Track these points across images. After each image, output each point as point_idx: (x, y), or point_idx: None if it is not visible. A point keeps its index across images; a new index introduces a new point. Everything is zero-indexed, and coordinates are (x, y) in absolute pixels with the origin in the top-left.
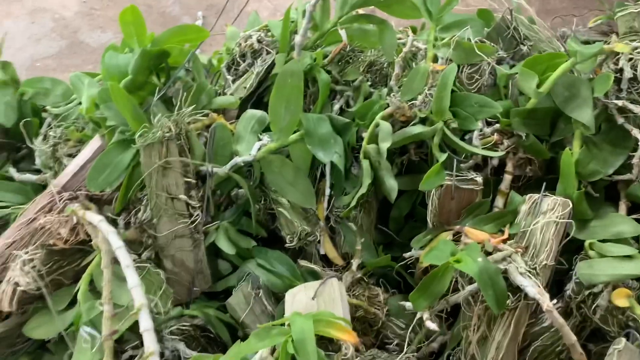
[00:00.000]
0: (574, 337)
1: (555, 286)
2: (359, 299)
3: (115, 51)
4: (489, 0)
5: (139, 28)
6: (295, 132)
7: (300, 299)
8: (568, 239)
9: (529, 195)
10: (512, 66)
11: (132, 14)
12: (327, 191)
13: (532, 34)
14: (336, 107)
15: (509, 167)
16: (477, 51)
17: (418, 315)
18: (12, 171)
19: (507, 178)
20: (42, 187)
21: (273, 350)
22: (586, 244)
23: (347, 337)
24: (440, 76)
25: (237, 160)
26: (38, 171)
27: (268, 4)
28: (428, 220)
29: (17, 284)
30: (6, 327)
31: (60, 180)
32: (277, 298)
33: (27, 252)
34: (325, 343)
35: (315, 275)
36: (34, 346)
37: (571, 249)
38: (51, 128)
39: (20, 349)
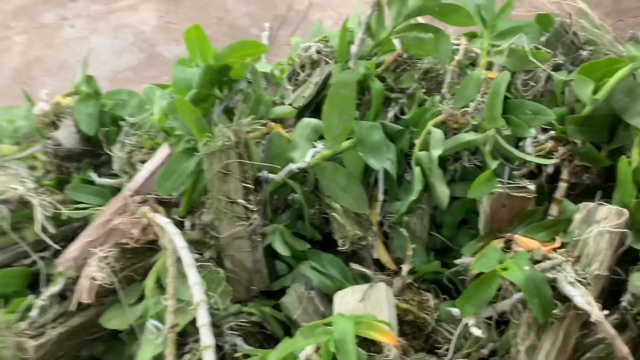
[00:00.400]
0: (626, 349)
1: (612, 297)
2: (409, 303)
3: (184, 65)
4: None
5: (202, 45)
6: (348, 139)
7: (348, 300)
8: (624, 249)
9: (583, 203)
10: (571, 72)
11: (196, 33)
12: (380, 197)
13: (593, 38)
14: (390, 114)
15: (564, 174)
16: (531, 58)
17: (464, 322)
18: (93, 175)
19: (562, 186)
20: (119, 190)
21: (318, 348)
22: None
23: (388, 340)
24: (493, 84)
25: (292, 166)
26: (116, 175)
27: (332, 13)
28: (480, 227)
29: (93, 279)
30: (85, 318)
31: (133, 185)
32: (330, 299)
33: (102, 250)
34: (369, 344)
35: (366, 279)
36: (109, 335)
37: (629, 259)
38: (127, 136)
39: (97, 337)
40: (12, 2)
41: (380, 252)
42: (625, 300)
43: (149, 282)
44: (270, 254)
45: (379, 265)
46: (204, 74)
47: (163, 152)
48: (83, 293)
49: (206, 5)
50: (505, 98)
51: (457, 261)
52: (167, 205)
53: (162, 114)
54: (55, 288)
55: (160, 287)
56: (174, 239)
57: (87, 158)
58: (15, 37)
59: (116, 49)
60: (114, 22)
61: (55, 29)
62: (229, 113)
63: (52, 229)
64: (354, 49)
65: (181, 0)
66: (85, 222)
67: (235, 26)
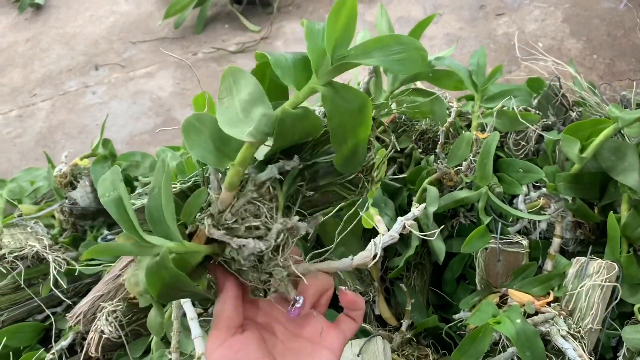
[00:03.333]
0: None
1: (612, 351)
2: (409, 358)
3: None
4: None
5: (210, 110)
6: None
7: (346, 355)
8: (616, 302)
9: (576, 258)
10: (561, 131)
11: (203, 99)
12: (380, 252)
13: (581, 99)
14: (389, 172)
15: (557, 230)
16: (520, 119)
17: None
18: (106, 233)
19: (556, 241)
20: None
21: None
22: (636, 308)
23: None
24: (483, 144)
25: None
26: None
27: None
28: (476, 282)
29: (102, 332)
30: None
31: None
32: None
33: (111, 304)
34: None
35: (366, 334)
36: None
37: (626, 314)
38: (140, 196)
39: None
40: (39, 71)
41: (381, 308)
42: (620, 354)
43: (155, 336)
44: None
45: (381, 321)
46: None
47: None
48: (92, 347)
49: (219, 73)
50: (498, 157)
51: (456, 316)
52: None
53: (172, 175)
54: (64, 342)
55: (166, 341)
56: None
57: (101, 216)
58: (40, 103)
59: (134, 113)
60: (133, 88)
61: (78, 96)
62: None
63: (65, 285)
64: None
65: (196, 68)
66: (97, 278)
67: None
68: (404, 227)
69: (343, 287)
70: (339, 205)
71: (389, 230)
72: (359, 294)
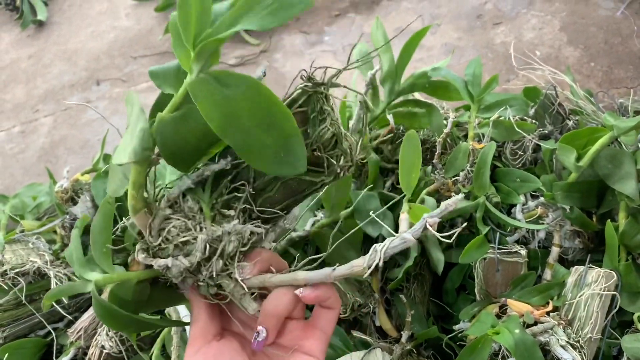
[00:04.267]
0: None
1: None
2: None
3: None
4: (542, 78)
5: None
6: (347, 208)
7: None
8: (616, 310)
9: (575, 267)
10: (558, 140)
11: None
12: (380, 263)
13: (577, 108)
14: (388, 183)
15: (556, 239)
16: (517, 129)
17: None
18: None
19: (555, 250)
20: None
21: None
22: (635, 316)
23: None
24: (480, 154)
25: (293, 234)
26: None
27: (338, 91)
28: (476, 292)
29: (103, 347)
30: None
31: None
32: None
33: None
34: None
35: (367, 346)
36: None
37: (626, 323)
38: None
39: None
40: (41, 87)
41: (382, 319)
42: None
43: (155, 350)
44: None
45: (382, 333)
46: None
47: None
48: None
49: None
50: (495, 167)
51: (456, 327)
52: None
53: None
54: (65, 358)
55: (166, 355)
56: (178, 308)
57: None
58: (42, 119)
59: None
60: None
61: (80, 111)
62: None
63: (66, 300)
64: (352, 123)
65: None
66: (100, 292)
67: None
68: (425, 227)
69: (298, 290)
70: (312, 190)
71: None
72: (318, 285)
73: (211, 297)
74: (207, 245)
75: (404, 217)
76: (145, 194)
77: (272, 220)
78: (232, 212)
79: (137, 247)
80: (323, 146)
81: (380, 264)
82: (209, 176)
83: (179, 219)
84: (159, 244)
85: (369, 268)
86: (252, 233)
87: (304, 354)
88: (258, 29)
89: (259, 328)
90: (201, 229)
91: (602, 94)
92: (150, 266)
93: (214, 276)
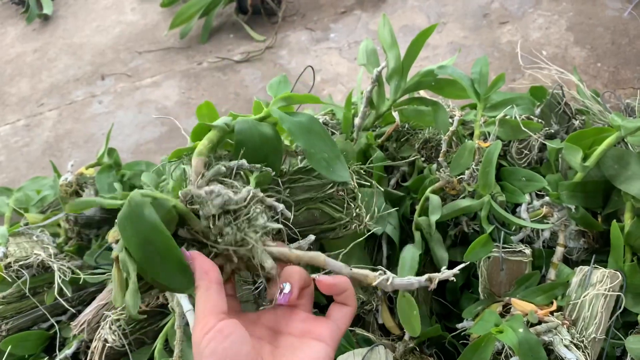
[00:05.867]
0: None
1: None
2: None
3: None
4: (548, 77)
5: (213, 119)
6: None
7: None
8: (620, 311)
9: (579, 267)
10: (564, 140)
11: (207, 109)
12: (384, 261)
13: (584, 108)
14: (392, 181)
15: (561, 239)
16: (523, 128)
17: None
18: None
19: (559, 250)
20: None
21: None
22: (639, 317)
23: None
24: (485, 152)
25: None
26: None
27: (342, 88)
28: (479, 291)
29: (105, 341)
30: None
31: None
32: None
33: (115, 313)
34: None
35: (369, 343)
36: None
37: (630, 323)
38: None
39: None
40: (46, 81)
41: (385, 317)
42: None
43: (158, 345)
44: None
45: (384, 330)
46: None
47: None
48: (95, 355)
49: (224, 82)
50: (501, 165)
51: (459, 325)
52: None
53: (177, 182)
54: (68, 351)
55: (169, 349)
56: (181, 302)
57: (106, 225)
58: (47, 113)
59: (140, 122)
60: (139, 98)
61: (85, 105)
62: None
63: (69, 293)
64: (357, 121)
65: (202, 77)
66: (102, 286)
67: (251, 101)
68: (429, 281)
69: (316, 275)
70: (328, 227)
71: None
72: (336, 275)
73: (233, 252)
74: (251, 194)
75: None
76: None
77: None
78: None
79: (181, 191)
80: (346, 192)
81: (390, 291)
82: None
83: (226, 183)
84: (206, 184)
85: (375, 284)
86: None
87: (313, 339)
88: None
89: (283, 284)
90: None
91: (608, 94)
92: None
93: (246, 225)
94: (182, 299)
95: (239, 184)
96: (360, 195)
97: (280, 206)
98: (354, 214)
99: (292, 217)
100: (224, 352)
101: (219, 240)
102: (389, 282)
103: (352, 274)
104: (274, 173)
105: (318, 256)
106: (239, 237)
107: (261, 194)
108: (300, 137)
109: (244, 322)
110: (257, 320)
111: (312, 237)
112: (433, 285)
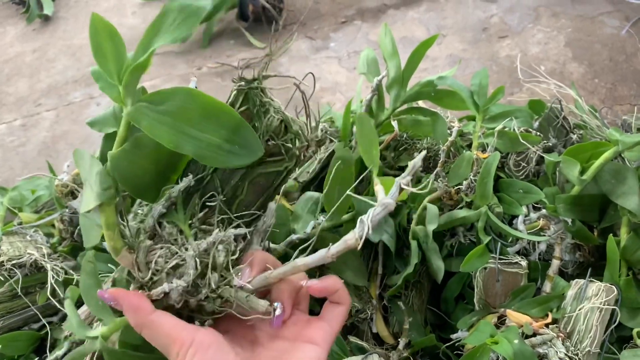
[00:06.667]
0: None
1: None
2: None
3: None
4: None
5: None
6: (348, 212)
7: None
8: (615, 325)
9: (575, 280)
10: (561, 153)
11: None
12: (380, 270)
13: (582, 122)
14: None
15: (557, 252)
16: (521, 140)
17: None
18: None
19: (555, 263)
20: None
21: None
22: (634, 332)
23: None
24: (484, 164)
25: (293, 237)
26: None
27: (341, 97)
28: (475, 302)
29: None
30: None
31: None
32: None
33: None
34: None
35: (363, 352)
36: None
37: (625, 338)
38: (140, 206)
39: None
40: (44, 81)
41: (379, 326)
42: None
43: None
44: None
45: (378, 339)
46: None
47: None
48: (87, 357)
49: (223, 87)
50: (498, 177)
51: (454, 336)
52: None
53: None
54: (59, 352)
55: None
56: None
57: None
58: (44, 113)
59: None
60: None
61: (82, 107)
62: None
63: (62, 294)
64: (356, 129)
65: (200, 82)
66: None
67: None
68: (400, 189)
69: (304, 282)
70: (281, 180)
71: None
72: (326, 277)
73: (218, 312)
74: (198, 261)
75: (378, 189)
76: (121, 235)
77: (253, 223)
78: (211, 227)
79: (131, 288)
80: (275, 134)
81: (370, 232)
82: (177, 197)
83: (162, 247)
84: (151, 278)
85: (360, 239)
86: (237, 239)
87: (305, 342)
88: (173, 42)
89: (274, 304)
90: (186, 249)
91: (605, 110)
92: (153, 301)
93: (215, 289)
94: None
95: (177, 240)
96: (291, 121)
97: (230, 232)
98: (296, 152)
99: (245, 231)
100: None
101: (203, 313)
102: (368, 222)
103: (333, 254)
104: (192, 183)
105: (296, 265)
106: (218, 304)
107: (204, 244)
108: (174, 135)
109: (237, 326)
110: (249, 322)
111: (272, 206)
112: (407, 181)
